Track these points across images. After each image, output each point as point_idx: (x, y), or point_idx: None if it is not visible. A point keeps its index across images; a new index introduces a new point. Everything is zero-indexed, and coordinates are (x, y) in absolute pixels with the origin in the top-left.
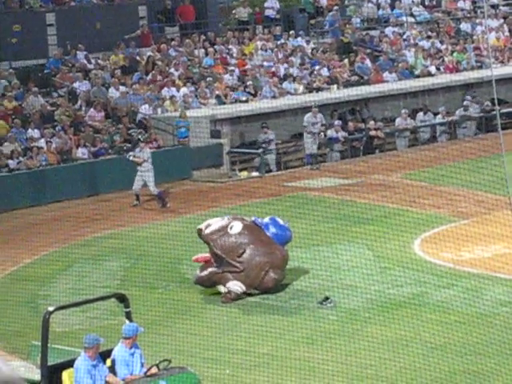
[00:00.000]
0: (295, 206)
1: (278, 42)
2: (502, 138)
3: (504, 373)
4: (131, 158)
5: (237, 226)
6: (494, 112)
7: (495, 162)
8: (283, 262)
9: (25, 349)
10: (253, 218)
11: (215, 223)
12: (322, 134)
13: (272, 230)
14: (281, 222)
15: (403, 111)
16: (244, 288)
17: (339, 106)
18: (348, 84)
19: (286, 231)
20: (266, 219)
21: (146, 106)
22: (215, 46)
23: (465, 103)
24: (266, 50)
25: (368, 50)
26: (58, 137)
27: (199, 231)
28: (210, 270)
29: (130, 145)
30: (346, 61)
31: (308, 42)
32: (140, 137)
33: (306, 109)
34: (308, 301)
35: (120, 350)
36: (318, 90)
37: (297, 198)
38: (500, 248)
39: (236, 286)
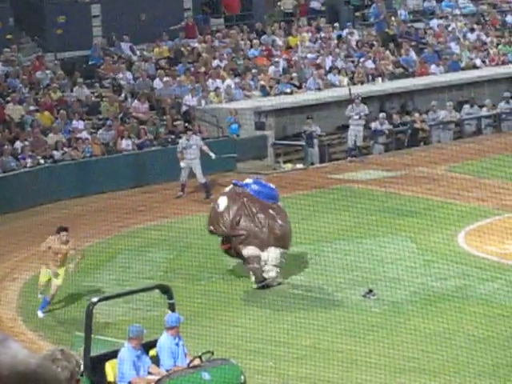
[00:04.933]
0: (339, 199)
1: (323, 34)
2: None
3: None
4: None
5: (222, 202)
6: None
7: None
8: (281, 212)
9: (69, 339)
10: (233, 181)
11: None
12: (362, 126)
13: (254, 187)
14: (263, 182)
15: (448, 104)
16: (258, 250)
17: (384, 99)
18: (393, 76)
19: (270, 189)
20: (248, 180)
21: (189, 96)
22: (262, 37)
23: (505, 94)
24: (312, 42)
25: (413, 43)
26: (106, 129)
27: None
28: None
29: (173, 136)
30: (387, 52)
31: (353, 34)
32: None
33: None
34: (351, 293)
35: (166, 341)
36: (363, 82)
37: (341, 190)
38: None
39: (250, 250)
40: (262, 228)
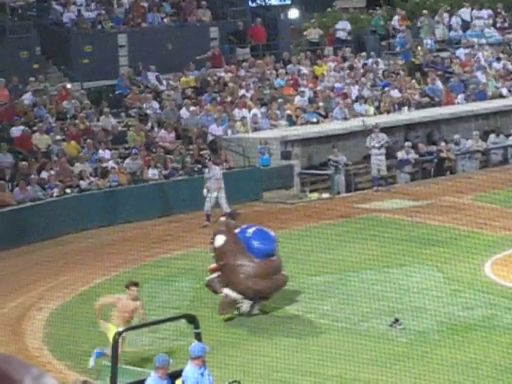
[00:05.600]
0: (365, 228)
1: (349, 64)
2: None
3: None
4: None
5: (219, 240)
6: None
7: None
8: (262, 272)
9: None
10: (238, 230)
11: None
12: (384, 155)
13: (254, 243)
14: (269, 233)
15: (474, 133)
16: (235, 293)
17: (410, 128)
18: (419, 106)
19: (269, 243)
20: (251, 230)
21: (215, 126)
22: (288, 67)
23: None
24: (337, 71)
25: (439, 72)
26: (132, 158)
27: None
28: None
29: (200, 166)
30: (413, 81)
31: (378, 63)
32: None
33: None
34: (377, 323)
35: (191, 370)
36: (389, 111)
37: (367, 219)
38: None
39: (227, 291)
40: (242, 280)
